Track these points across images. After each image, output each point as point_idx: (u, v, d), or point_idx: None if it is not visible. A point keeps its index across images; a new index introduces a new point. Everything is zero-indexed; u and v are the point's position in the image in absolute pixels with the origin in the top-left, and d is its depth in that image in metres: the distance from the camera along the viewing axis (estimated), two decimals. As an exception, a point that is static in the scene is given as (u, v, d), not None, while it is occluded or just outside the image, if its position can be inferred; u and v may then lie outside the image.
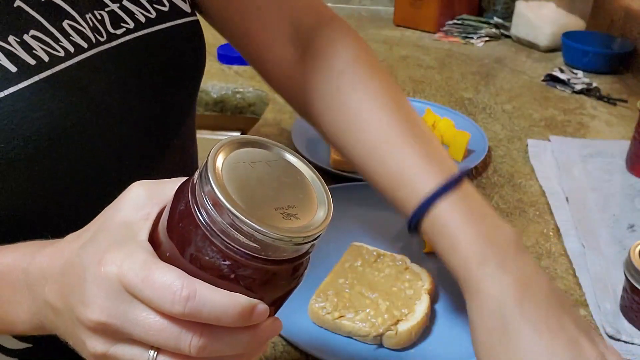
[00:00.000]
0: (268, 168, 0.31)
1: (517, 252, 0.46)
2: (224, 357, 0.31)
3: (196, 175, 0.29)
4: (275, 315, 0.33)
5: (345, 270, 0.59)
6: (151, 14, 0.51)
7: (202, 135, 0.81)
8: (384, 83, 0.54)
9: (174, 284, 0.28)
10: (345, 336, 0.54)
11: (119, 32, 0.48)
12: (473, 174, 0.84)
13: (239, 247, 0.28)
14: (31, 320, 0.35)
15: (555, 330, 0.43)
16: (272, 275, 0.30)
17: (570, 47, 1.25)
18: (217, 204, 0.28)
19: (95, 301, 0.30)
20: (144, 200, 0.32)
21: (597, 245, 0.68)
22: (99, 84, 0.46)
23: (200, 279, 0.29)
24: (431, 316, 0.56)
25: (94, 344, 0.31)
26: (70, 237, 0.34)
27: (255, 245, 0.28)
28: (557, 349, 0.42)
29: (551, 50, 1.35)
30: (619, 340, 0.56)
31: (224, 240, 0.28)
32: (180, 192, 0.30)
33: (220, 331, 0.30)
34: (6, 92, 0.40)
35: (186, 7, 0.55)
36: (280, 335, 0.53)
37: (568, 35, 1.28)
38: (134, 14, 0.49)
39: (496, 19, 1.51)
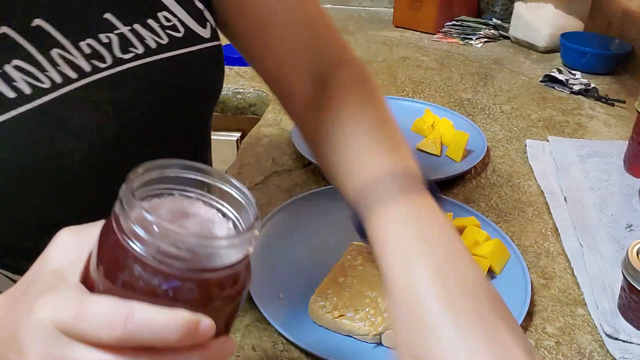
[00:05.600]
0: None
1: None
2: None
3: (116, 204, 0.29)
4: (228, 336, 0.31)
5: (345, 269, 0.59)
6: (162, 39, 0.48)
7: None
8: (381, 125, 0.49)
9: (108, 309, 0.27)
10: (345, 335, 0.54)
11: (127, 56, 0.46)
12: (472, 174, 0.84)
13: (170, 261, 0.27)
14: None
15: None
16: (211, 285, 0.29)
17: (568, 48, 1.26)
18: (143, 221, 0.27)
19: (32, 349, 0.28)
20: (71, 245, 0.31)
21: (595, 245, 0.68)
22: (85, 116, 0.43)
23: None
24: (430, 315, 0.56)
25: None
26: (1, 296, 0.33)
27: (186, 254, 0.28)
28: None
29: (549, 51, 1.35)
30: (617, 339, 0.56)
31: (154, 256, 0.28)
32: (105, 227, 0.30)
33: (169, 354, 0.28)
34: None
35: (205, 33, 0.52)
36: (280, 334, 0.54)
37: (566, 36, 1.28)
38: (144, 39, 0.47)
39: (495, 20, 1.51)
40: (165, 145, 0.53)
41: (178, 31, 0.50)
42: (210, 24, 0.54)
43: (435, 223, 0.39)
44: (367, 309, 0.54)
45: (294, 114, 0.59)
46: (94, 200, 0.45)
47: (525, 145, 0.92)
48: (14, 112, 0.39)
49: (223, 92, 1.13)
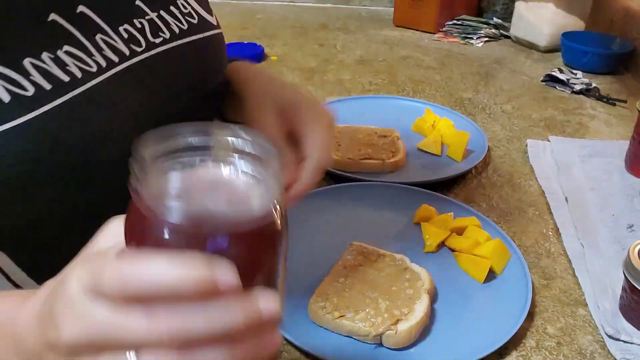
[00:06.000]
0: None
1: None
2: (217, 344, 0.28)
3: (131, 176, 0.29)
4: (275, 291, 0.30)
5: (345, 270, 0.59)
6: (183, 25, 0.52)
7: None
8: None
9: (123, 262, 0.27)
10: (345, 336, 0.54)
11: (157, 40, 0.49)
12: (473, 173, 0.84)
13: (191, 225, 0.27)
14: None
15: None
16: (239, 241, 0.28)
17: (569, 47, 1.25)
18: (157, 186, 0.27)
19: (65, 321, 0.29)
20: (119, 231, 0.31)
21: (596, 245, 0.68)
22: (129, 97, 0.46)
23: None
24: (431, 316, 0.56)
25: None
26: (48, 282, 0.33)
27: (205, 214, 0.27)
28: None
29: (550, 50, 1.35)
30: (618, 340, 0.56)
31: (180, 222, 0.27)
32: (130, 204, 0.30)
33: (194, 308, 0.27)
34: (40, 110, 0.39)
35: (213, 20, 0.57)
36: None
37: (567, 35, 1.28)
38: (169, 24, 0.51)
39: (496, 20, 1.51)
40: None
41: (193, 17, 0.54)
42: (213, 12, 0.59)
43: (264, 71, 0.63)
44: (367, 310, 0.54)
45: None
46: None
47: (526, 145, 0.92)
48: (69, 96, 0.41)
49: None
